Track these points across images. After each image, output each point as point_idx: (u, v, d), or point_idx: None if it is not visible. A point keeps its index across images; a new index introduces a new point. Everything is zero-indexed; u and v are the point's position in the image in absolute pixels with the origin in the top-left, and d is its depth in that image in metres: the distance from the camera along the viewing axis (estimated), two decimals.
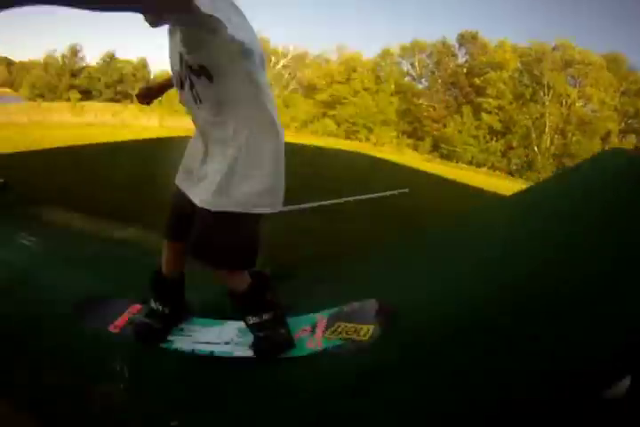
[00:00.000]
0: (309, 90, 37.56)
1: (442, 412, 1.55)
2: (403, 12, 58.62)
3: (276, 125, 1.67)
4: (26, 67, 75.22)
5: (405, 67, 36.78)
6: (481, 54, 33.87)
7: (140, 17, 1.41)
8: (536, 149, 31.26)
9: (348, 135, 32.19)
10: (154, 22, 1.45)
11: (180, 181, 1.94)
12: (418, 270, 2.89)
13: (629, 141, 30.12)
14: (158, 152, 9.87)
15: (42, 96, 48.09)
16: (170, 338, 2.12)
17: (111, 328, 2.17)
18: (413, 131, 34.38)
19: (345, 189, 7.86)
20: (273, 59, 38.38)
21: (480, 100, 32.19)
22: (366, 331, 2.01)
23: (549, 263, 2.27)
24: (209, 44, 1.43)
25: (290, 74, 39.25)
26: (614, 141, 29.56)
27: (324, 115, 33.89)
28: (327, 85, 35.30)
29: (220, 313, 2.27)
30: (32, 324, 2.14)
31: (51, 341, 2.03)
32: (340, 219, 5.86)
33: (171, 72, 1.72)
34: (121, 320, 2.22)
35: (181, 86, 1.64)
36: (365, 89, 33.12)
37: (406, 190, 8.46)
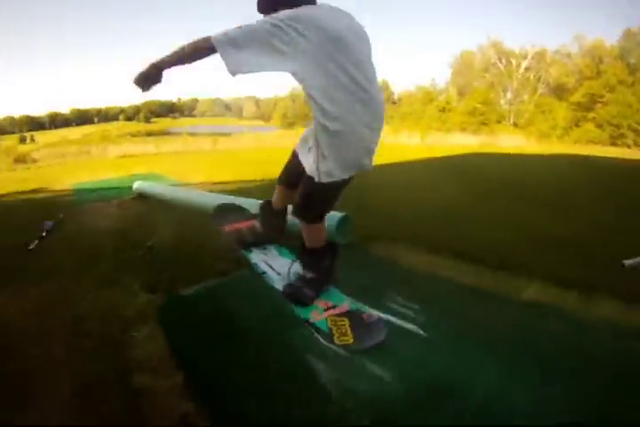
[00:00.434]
0: (559, 91, 35.49)
1: None
2: None
3: (328, 116, 2.14)
4: (271, 102, 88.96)
5: None
6: None
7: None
8: None
9: (614, 141, 27.17)
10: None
11: (299, 146, 2.62)
12: None
13: None
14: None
15: (293, 124, 53.97)
16: (252, 249, 3.16)
17: (227, 228, 3.30)
18: None
19: None
20: (514, 62, 38.12)
21: None
22: (348, 339, 2.37)
23: None
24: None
25: (534, 76, 37.60)
26: None
27: (584, 118, 29.28)
28: (577, 83, 32.67)
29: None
30: None
31: None
32: None
33: None
34: (235, 226, 3.29)
35: None
36: (620, 82, 28.39)
37: None
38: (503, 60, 39.52)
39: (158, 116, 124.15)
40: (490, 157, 15.64)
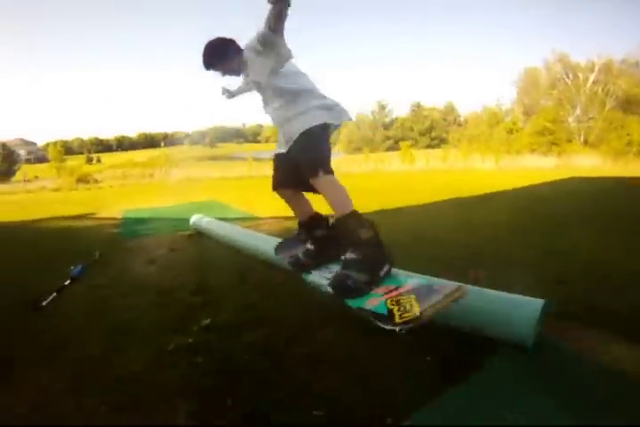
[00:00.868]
0: (626, 104, 33.62)
1: None
2: None
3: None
4: None
5: None
6: None
7: None
8: None
9: None
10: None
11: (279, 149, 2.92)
12: None
13: None
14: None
15: (359, 149, 53.42)
16: (311, 271, 2.78)
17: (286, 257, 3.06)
18: None
19: None
20: (581, 76, 36.50)
21: None
22: (413, 313, 1.97)
23: None
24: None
25: (602, 89, 35.48)
26: None
27: None
28: None
29: None
30: None
31: None
32: None
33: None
34: (293, 253, 3.02)
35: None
36: None
37: None
38: (570, 75, 37.54)
39: (223, 141, 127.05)
40: (580, 182, 13.51)
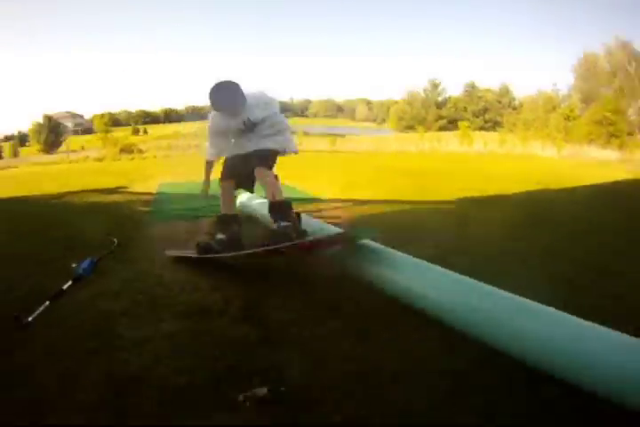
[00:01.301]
0: None
1: None
2: None
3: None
4: (384, 105, 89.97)
5: None
6: None
7: None
8: None
9: None
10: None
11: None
12: None
13: None
14: None
15: (410, 127, 53.15)
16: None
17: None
18: None
19: None
20: None
21: None
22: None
23: None
24: None
25: None
26: None
27: None
28: None
29: None
30: None
31: None
32: None
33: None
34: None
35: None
36: None
37: None
38: (633, 64, 34.56)
39: None
40: None
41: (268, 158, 3.47)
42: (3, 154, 41.54)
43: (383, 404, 1.69)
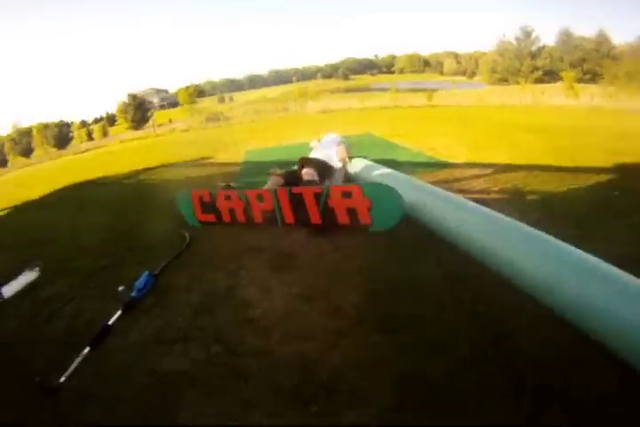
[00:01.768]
0: None
1: None
2: None
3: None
4: (472, 57, 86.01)
5: None
6: None
7: None
8: None
9: None
10: None
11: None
12: None
13: None
14: None
15: (504, 80, 50.19)
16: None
17: None
18: None
19: None
20: None
21: None
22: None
23: None
24: None
25: None
26: None
27: None
28: None
29: None
30: None
31: None
32: None
33: None
34: None
35: None
36: None
37: None
38: None
39: (356, 73, 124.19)
40: None
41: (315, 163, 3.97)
42: (93, 135, 43.72)
43: None
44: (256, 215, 3.31)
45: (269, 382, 1.61)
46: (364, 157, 4.25)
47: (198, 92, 47.15)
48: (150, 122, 37.60)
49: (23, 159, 39.56)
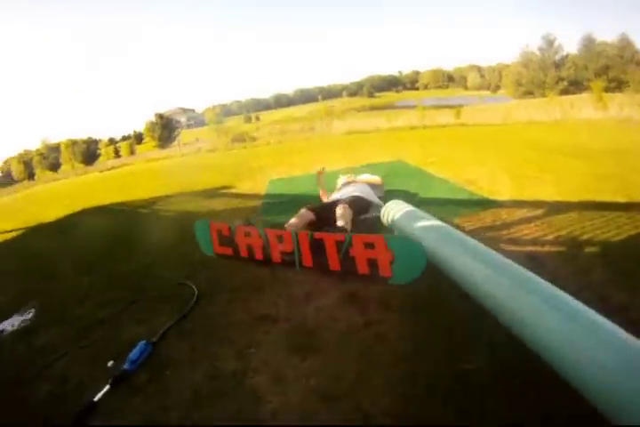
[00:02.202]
0: None
1: None
2: None
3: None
4: (495, 70, 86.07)
5: None
6: None
7: None
8: None
9: None
10: None
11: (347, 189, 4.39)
12: None
13: None
14: None
15: (529, 93, 49.95)
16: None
17: None
18: None
19: None
20: None
21: None
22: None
23: None
24: None
25: None
26: None
27: None
28: None
29: None
30: None
31: None
32: None
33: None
34: None
35: None
36: None
37: None
38: None
39: (381, 90, 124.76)
40: None
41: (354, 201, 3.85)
42: (120, 153, 44.87)
43: None
44: (274, 255, 3.15)
45: None
46: (398, 202, 3.69)
47: (225, 112, 47.85)
48: (176, 141, 38.01)
49: (50, 173, 40.19)
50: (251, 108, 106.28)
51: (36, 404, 2.01)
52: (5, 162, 58.32)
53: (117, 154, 45.94)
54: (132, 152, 43.12)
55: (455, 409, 1.63)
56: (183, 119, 72.92)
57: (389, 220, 3.43)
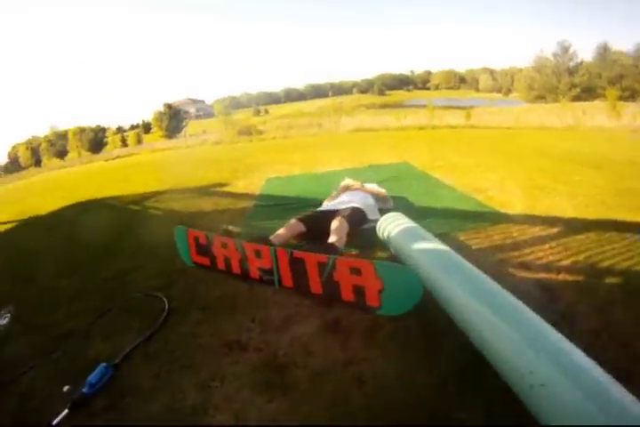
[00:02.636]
0: None
1: None
2: None
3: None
4: (508, 73, 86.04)
5: None
6: None
7: None
8: None
9: None
10: None
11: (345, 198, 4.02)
12: None
13: None
14: None
15: (541, 97, 49.84)
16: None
17: None
18: None
19: None
20: None
21: None
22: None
23: None
24: None
25: None
26: None
27: None
28: None
29: None
30: None
31: None
32: None
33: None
34: None
35: None
36: None
37: None
38: None
39: (392, 88, 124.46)
40: None
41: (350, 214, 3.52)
42: (128, 142, 44.88)
43: None
44: (252, 271, 2.84)
45: None
46: (397, 215, 3.30)
47: (234, 104, 47.72)
48: (182, 132, 37.90)
49: (57, 161, 40.18)
50: (261, 101, 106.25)
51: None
52: (14, 147, 58.24)
53: (124, 143, 45.93)
54: (139, 141, 42.95)
55: None
56: (192, 110, 73.08)
57: (385, 235, 3.07)
